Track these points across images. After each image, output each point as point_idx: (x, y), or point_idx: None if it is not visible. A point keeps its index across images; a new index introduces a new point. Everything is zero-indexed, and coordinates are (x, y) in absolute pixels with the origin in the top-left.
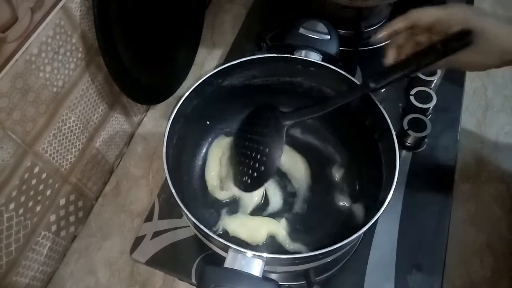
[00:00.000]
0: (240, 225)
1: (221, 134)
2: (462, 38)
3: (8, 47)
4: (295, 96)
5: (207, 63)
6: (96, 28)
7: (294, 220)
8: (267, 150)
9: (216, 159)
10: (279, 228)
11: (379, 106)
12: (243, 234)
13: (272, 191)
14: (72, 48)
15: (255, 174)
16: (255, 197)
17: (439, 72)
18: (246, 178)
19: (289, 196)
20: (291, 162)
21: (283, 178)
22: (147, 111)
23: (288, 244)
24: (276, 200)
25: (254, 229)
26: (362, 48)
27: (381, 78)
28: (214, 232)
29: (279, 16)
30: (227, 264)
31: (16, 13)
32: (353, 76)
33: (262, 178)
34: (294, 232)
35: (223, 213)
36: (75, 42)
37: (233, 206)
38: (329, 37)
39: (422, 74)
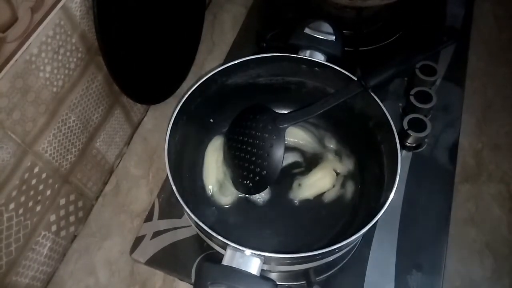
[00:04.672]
0: (313, 185)
1: (218, 134)
2: (450, 35)
3: (8, 47)
4: (299, 96)
5: (207, 63)
6: (96, 28)
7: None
8: (266, 155)
9: (213, 162)
10: (332, 161)
11: (382, 107)
12: (322, 188)
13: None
14: (72, 48)
15: (257, 178)
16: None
17: (439, 72)
18: (248, 181)
19: (314, 158)
20: (292, 135)
21: (293, 152)
22: (147, 111)
23: (339, 166)
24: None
25: (325, 176)
26: (362, 48)
27: (374, 76)
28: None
29: (279, 16)
30: (225, 262)
31: (16, 13)
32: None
33: (265, 182)
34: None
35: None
36: (75, 42)
37: (241, 205)
38: (334, 37)
39: (422, 74)
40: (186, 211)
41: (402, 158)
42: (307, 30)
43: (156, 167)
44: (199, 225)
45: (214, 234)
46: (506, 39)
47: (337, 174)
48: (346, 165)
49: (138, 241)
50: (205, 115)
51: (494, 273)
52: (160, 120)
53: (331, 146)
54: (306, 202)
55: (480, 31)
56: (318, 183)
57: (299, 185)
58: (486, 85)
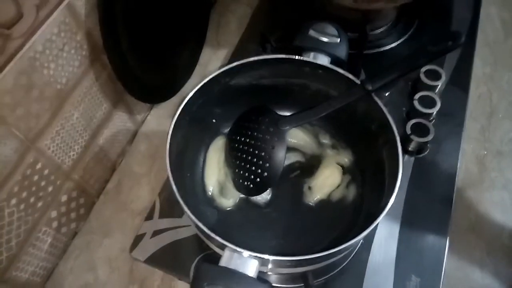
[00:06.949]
0: (323, 184)
1: (220, 135)
2: (453, 39)
3: (13, 43)
4: (302, 98)
5: (211, 63)
6: (101, 26)
7: None
8: (268, 156)
9: (215, 162)
10: (334, 157)
11: (385, 111)
12: (332, 184)
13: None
14: (77, 46)
15: (258, 179)
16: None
17: (443, 76)
18: (248, 183)
19: (314, 158)
20: (292, 136)
21: (294, 152)
22: (150, 110)
23: (340, 158)
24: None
25: (333, 173)
26: (367, 51)
27: (378, 79)
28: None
29: (284, 17)
30: (222, 263)
31: (21, 10)
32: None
33: (266, 184)
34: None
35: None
36: (80, 39)
37: (242, 206)
38: (338, 40)
39: (427, 79)
40: (185, 211)
41: (404, 163)
42: (311, 32)
43: (158, 166)
44: (197, 225)
45: (212, 235)
46: None
47: (342, 167)
48: (348, 158)
49: (138, 239)
50: (208, 115)
51: (494, 282)
52: (164, 119)
53: (326, 141)
54: (306, 205)
55: (486, 35)
56: (328, 181)
57: (309, 188)
58: (491, 91)
